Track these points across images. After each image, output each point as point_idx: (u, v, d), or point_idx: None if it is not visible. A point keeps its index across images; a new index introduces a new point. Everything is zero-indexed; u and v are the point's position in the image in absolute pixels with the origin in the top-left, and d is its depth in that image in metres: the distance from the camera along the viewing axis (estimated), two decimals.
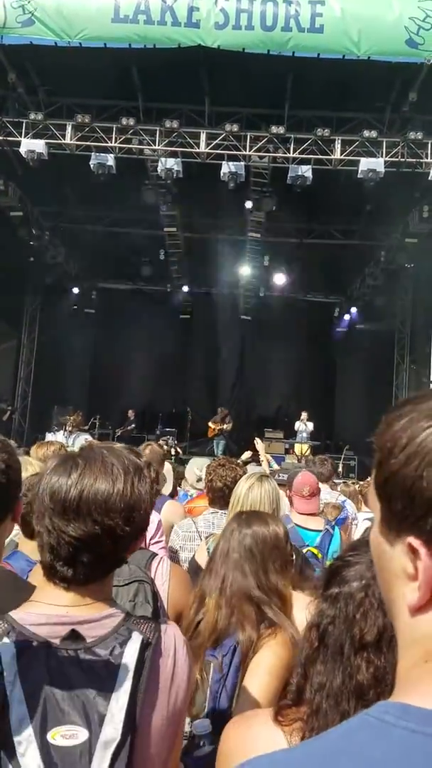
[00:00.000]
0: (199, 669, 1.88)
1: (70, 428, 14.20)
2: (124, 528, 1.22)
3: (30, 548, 2.34)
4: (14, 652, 1.14)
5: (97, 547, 1.21)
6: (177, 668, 1.25)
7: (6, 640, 1.16)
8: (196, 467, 6.30)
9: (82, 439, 11.36)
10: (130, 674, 1.15)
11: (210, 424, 17.86)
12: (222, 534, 2.14)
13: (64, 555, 1.21)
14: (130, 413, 18.74)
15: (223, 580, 2.01)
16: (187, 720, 1.87)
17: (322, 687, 1.07)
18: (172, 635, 1.27)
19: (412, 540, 0.67)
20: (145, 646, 1.20)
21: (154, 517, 3.39)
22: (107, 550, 1.23)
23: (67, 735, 1.10)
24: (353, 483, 6.48)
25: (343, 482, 6.16)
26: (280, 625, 1.89)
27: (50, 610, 1.22)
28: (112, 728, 1.11)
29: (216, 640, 1.92)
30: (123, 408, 19.73)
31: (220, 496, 3.62)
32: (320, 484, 4.26)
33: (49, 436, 14.29)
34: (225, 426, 17.68)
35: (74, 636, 1.18)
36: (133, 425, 18.45)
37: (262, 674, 1.79)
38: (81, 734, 1.11)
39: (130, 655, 1.18)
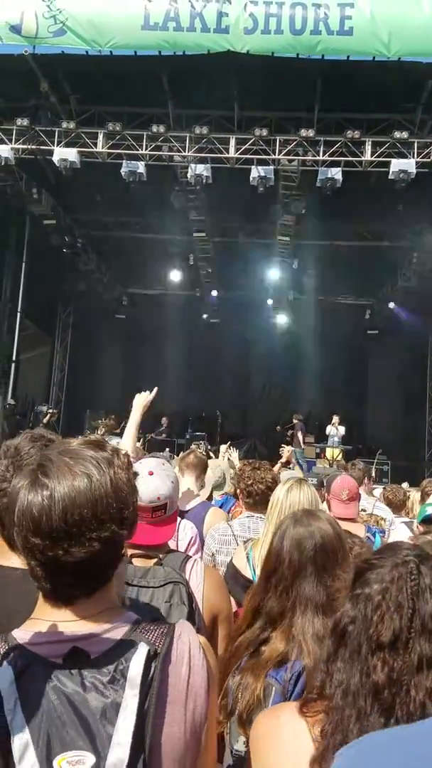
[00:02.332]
0: (259, 687, 1.78)
1: (102, 432, 14.32)
2: (119, 533, 1.16)
3: None
4: (12, 676, 1.08)
5: (98, 560, 1.15)
6: (193, 676, 1.17)
7: (4, 663, 1.10)
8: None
9: (115, 443, 11.45)
10: (136, 690, 1.09)
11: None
12: (278, 535, 1.97)
13: (66, 579, 1.15)
14: (164, 420, 18.86)
15: (290, 597, 1.85)
16: (242, 739, 1.82)
17: (340, 684, 1.09)
18: (186, 640, 1.19)
19: None
20: (152, 656, 1.12)
21: (188, 529, 3.36)
22: (108, 559, 1.17)
23: (73, 761, 1.04)
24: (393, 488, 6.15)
25: (383, 487, 5.98)
26: None
27: (49, 627, 1.16)
28: (120, 750, 1.05)
29: (281, 662, 1.80)
30: (152, 412, 19.78)
31: (261, 500, 3.54)
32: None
33: None
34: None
35: (76, 653, 1.12)
36: (165, 431, 18.55)
37: None
38: (88, 759, 1.04)
39: (135, 669, 1.10)
